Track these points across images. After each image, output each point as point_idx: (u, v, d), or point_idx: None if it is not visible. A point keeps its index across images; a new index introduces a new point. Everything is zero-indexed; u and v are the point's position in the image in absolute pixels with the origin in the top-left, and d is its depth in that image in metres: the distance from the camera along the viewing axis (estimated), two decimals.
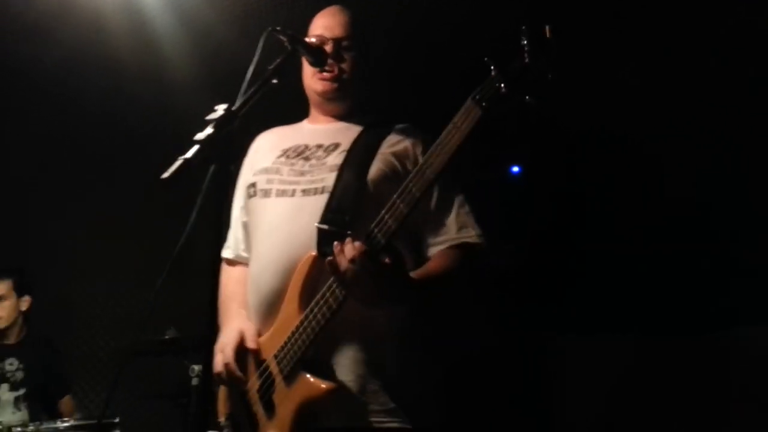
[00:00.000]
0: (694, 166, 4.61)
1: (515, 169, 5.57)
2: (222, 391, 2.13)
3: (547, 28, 1.68)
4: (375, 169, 2.01)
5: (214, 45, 4.35)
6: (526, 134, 4.94)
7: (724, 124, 4.48)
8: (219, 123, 1.61)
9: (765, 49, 4.12)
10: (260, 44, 1.84)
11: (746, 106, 4.43)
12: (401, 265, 1.85)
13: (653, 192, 4.98)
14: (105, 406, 4.13)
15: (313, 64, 2.08)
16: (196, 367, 3.42)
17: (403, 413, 1.93)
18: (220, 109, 1.64)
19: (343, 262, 1.79)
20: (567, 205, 5.23)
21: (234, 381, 2.02)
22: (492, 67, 1.73)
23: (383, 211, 1.81)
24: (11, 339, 4.24)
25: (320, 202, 1.98)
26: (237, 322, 2.07)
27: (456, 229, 2.03)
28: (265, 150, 2.22)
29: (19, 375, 4.10)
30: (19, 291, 4.26)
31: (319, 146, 2.13)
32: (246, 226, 2.21)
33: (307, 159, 2.10)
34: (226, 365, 1.99)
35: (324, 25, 2.17)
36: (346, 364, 1.92)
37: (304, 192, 2.03)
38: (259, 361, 2.00)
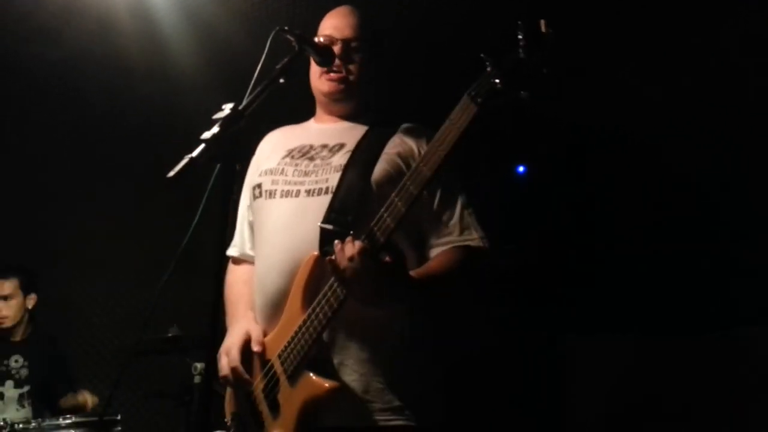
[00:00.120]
0: (694, 166, 4.61)
1: (521, 169, 5.57)
2: (228, 392, 2.13)
3: (542, 22, 1.67)
4: (379, 169, 2.00)
5: (222, 44, 4.33)
6: (529, 135, 4.96)
7: (724, 124, 4.49)
8: (225, 122, 1.62)
9: (765, 49, 4.13)
10: (268, 44, 1.84)
11: (747, 107, 4.44)
12: (401, 264, 1.85)
13: (654, 192, 4.98)
14: (107, 402, 4.14)
15: (320, 64, 2.08)
16: (199, 365, 3.43)
17: (407, 411, 1.93)
18: (227, 108, 1.65)
19: (343, 261, 1.79)
20: (567, 205, 5.24)
21: (241, 384, 2.02)
22: (487, 64, 1.73)
23: (382, 210, 1.81)
24: (17, 336, 4.24)
25: (324, 202, 1.97)
26: (243, 323, 2.08)
27: (459, 231, 2.02)
28: (271, 150, 2.21)
29: (24, 372, 4.11)
30: (26, 289, 4.27)
31: (324, 146, 2.12)
32: (252, 226, 2.21)
33: (311, 159, 2.10)
34: (233, 369, 1.99)
35: (333, 26, 2.16)
36: (350, 363, 1.92)
37: (308, 192, 2.02)
38: (264, 361, 2.00)
